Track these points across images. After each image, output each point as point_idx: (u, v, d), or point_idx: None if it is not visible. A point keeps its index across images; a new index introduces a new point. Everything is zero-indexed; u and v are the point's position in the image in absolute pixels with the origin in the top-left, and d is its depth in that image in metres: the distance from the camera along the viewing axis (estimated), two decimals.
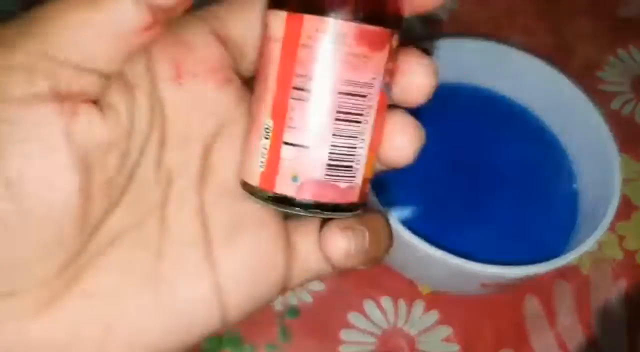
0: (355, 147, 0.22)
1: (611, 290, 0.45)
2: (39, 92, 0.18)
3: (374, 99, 0.21)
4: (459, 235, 0.41)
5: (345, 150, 0.22)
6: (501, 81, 0.47)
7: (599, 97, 0.51)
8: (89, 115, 0.19)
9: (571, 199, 0.44)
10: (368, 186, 0.23)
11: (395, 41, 0.21)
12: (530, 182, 0.45)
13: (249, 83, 0.23)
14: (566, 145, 0.46)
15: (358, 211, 0.23)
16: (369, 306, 0.42)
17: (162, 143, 0.22)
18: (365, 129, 0.22)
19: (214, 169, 0.23)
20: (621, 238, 0.47)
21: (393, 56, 0.21)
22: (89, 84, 0.19)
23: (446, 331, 0.42)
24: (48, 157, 0.19)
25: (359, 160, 0.22)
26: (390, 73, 0.21)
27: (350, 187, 0.22)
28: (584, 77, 0.52)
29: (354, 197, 0.22)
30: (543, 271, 0.37)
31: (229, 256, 0.23)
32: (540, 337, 0.43)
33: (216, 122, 0.23)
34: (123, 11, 0.19)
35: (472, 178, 0.44)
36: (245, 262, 0.23)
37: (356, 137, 0.21)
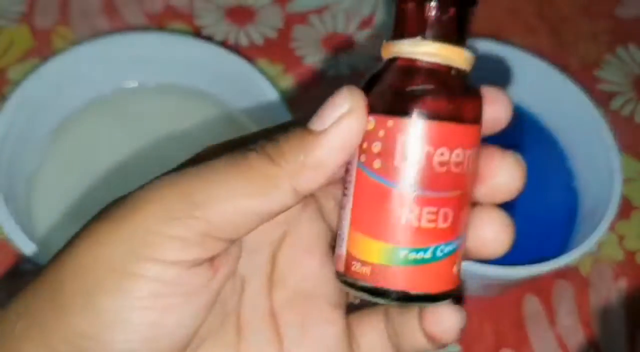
0: (343, 219, 0.23)
1: (611, 290, 0.45)
2: (190, 259, 0.21)
3: (353, 175, 0.22)
4: None
5: (340, 219, 0.23)
6: (501, 81, 0.47)
7: (599, 96, 0.51)
8: (223, 268, 0.22)
9: (571, 199, 0.44)
10: (365, 268, 0.22)
11: (372, 123, 0.21)
12: (530, 183, 0.44)
13: None
14: (566, 145, 0.46)
15: (349, 288, 0.23)
16: None
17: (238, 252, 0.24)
18: (348, 202, 0.22)
19: (281, 271, 0.25)
20: (621, 238, 0.47)
21: (371, 136, 0.22)
22: (227, 246, 0.22)
23: None
24: (186, 309, 0.21)
25: (343, 231, 0.23)
26: (368, 152, 0.22)
27: (338, 255, 0.23)
28: (584, 76, 0.52)
29: (340, 266, 0.23)
30: (543, 271, 0.37)
31: None
32: (540, 337, 0.43)
33: (282, 228, 0.25)
34: (284, 201, 0.21)
35: None
36: None
37: (344, 207, 0.23)
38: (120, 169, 0.43)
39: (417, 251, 0.22)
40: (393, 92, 0.21)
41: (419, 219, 0.21)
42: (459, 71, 0.22)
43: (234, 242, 0.22)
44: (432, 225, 0.22)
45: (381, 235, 0.22)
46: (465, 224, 0.23)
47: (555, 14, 0.56)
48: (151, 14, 0.52)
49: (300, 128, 0.22)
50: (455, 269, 0.23)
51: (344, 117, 0.21)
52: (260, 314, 0.25)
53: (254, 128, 0.45)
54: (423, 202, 0.21)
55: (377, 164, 0.21)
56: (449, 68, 0.22)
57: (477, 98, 0.22)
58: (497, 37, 0.53)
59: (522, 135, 0.46)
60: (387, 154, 0.21)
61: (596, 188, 0.42)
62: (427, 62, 0.22)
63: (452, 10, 0.21)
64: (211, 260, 0.22)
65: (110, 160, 0.43)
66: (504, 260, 0.38)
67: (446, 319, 0.24)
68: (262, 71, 0.46)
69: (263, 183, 0.21)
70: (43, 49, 0.49)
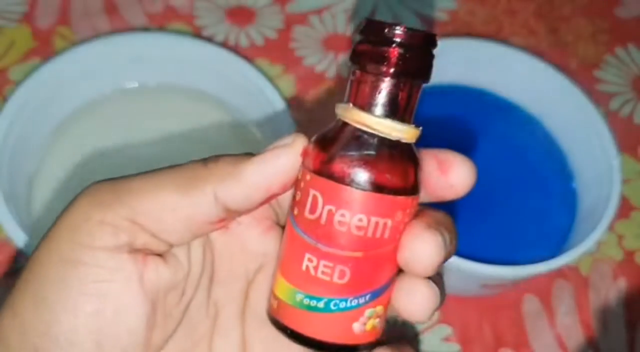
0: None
1: (611, 290, 0.45)
2: (120, 244, 0.22)
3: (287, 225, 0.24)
4: (458, 235, 0.40)
5: None
6: (500, 81, 0.47)
7: (598, 97, 0.51)
8: (157, 264, 0.23)
9: (570, 199, 0.44)
10: (275, 301, 0.24)
11: (300, 173, 0.23)
12: (529, 182, 0.45)
13: None
14: (565, 146, 0.46)
15: (267, 316, 0.25)
16: None
17: (211, 278, 0.25)
18: (279, 248, 0.25)
19: (253, 303, 0.26)
20: (620, 238, 0.47)
21: (297, 185, 0.23)
22: (158, 246, 0.23)
23: (446, 330, 0.42)
24: (123, 296, 0.22)
25: (274, 274, 0.25)
26: (293, 199, 0.24)
27: (268, 297, 0.25)
28: (583, 77, 0.52)
29: (269, 308, 0.25)
30: (543, 271, 0.38)
31: None
32: (540, 337, 0.43)
33: (258, 261, 0.26)
34: (205, 205, 0.23)
35: None
36: None
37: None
38: (121, 169, 0.43)
39: (311, 298, 0.23)
40: (318, 150, 0.23)
41: (316, 269, 0.23)
42: (384, 142, 0.22)
43: (162, 241, 0.23)
44: (327, 278, 0.23)
45: (287, 274, 0.24)
46: (375, 286, 0.23)
47: (555, 14, 0.56)
48: (151, 14, 0.52)
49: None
50: (356, 326, 0.23)
51: (279, 149, 0.23)
52: (231, 342, 0.26)
53: (254, 128, 0.45)
54: (321, 254, 0.23)
55: (295, 210, 0.23)
56: (372, 137, 0.22)
57: (403, 170, 0.23)
58: (497, 37, 0.54)
59: (521, 135, 0.46)
60: (302, 204, 0.23)
61: (595, 188, 0.42)
62: (352, 128, 0.23)
63: (378, 86, 0.22)
64: (142, 251, 0.23)
65: (110, 160, 0.43)
66: (504, 260, 0.38)
67: None
68: (262, 72, 0.46)
69: (187, 181, 0.23)
70: (44, 49, 0.49)
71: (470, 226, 0.42)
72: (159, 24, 0.52)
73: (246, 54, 0.49)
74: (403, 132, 0.22)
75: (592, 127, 0.43)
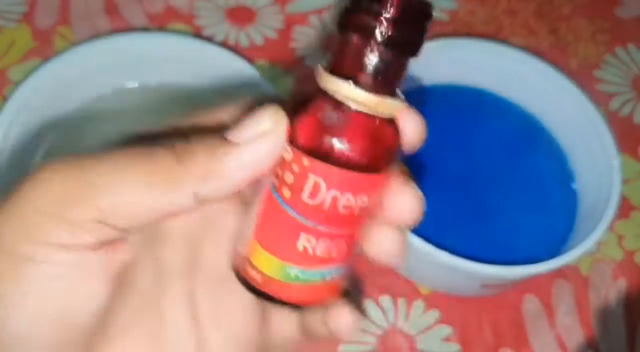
0: (248, 224, 0.24)
1: (611, 290, 0.45)
2: (85, 243, 0.21)
3: (263, 191, 0.23)
4: (458, 235, 0.41)
5: (245, 219, 0.24)
6: (500, 81, 0.47)
7: (598, 97, 0.51)
8: (120, 251, 0.22)
9: (570, 199, 0.44)
10: (258, 275, 0.23)
11: (289, 155, 0.22)
12: (529, 183, 0.45)
13: None
14: (565, 146, 0.46)
15: (242, 284, 0.24)
16: (368, 305, 0.42)
17: (155, 238, 0.24)
18: (253, 212, 0.23)
19: (202, 259, 0.24)
20: (620, 238, 0.47)
21: (285, 165, 0.22)
22: (123, 235, 0.22)
23: (446, 330, 0.42)
24: (83, 289, 0.22)
25: (245, 234, 0.24)
26: (280, 179, 0.22)
27: (237, 253, 0.24)
28: (583, 77, 0.52)
29: (238, 265, 0.24)
30: (543, 271, 0.38)
31: (216, 339, 0.24)
32: (540, 336, 0.43)
33: (206, 217, 0.24)
34: (184, 203, 0.21)
35: (472, 178, 0.44)
36: (229, 341, 0.25)
37: (250, 212, 0.24)
38: None
39: (307, 272, 0.23)
40: (314, 133, 0.21)
41: (314, 249, 0.23)
42: (385, 121, 0.22)
43: (128, 231, 0.22)
44: (326, 255, 0.23)
45: (274, 251, 0.23)
46: (357, 247, 0.24)
47: (555, 14, 0.56)
48: (151, 14, 0.52)
49: (217, 136, 0.22)
50: (343, 283, 0.25)
51: (262, 137, 0.21)
52: (180, 302, 0.24)
53: None
54: (321, 234, 0.22)
55: (286, 193, 0.22)
56: (375, 118, 0.22)
57: (396, 147, 0.23)
58: (497, 37, 0.54)
59: (521, 135, 0.46)
60: (297, 188, 0.22)
61: (595, 188, 0.42)
62: (356, 111, 0.21)
63: (391, 61, 0.21)
64: (105, 244, 0.22)
65: None
66: (504, 260, 0.38)
67: (344, 319, 0.25)
68: (263, 71, 0.46)
69: (164, 181, 0.21)
70: (43, 49, 0.49)
71: (470, 226, 0.42)
72: (159, 24, 0.52)
73: (246, 54, 0.49)
74: (397, 108, 0.22)
75: (592, 127, 0.43)
